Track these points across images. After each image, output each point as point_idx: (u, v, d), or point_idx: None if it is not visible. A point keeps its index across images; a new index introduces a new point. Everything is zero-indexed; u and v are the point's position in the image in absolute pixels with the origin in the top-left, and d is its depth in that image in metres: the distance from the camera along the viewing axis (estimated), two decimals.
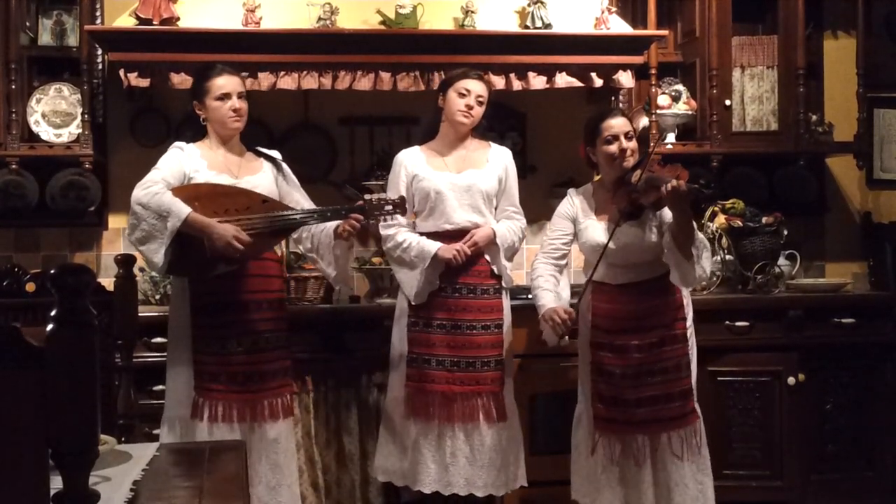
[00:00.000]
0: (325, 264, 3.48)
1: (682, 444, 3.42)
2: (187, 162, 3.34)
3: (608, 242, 3.39)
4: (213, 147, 3.42)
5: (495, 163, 3.67)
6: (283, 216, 3.30)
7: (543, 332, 3.51)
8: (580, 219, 3.55)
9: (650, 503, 3.42)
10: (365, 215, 3.34)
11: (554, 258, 3.58)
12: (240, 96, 3.39)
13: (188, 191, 3.26)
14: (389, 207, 3.35)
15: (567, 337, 3.48)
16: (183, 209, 3.17)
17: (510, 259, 3.68)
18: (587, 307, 3.55)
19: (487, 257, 3.61)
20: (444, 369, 3.54)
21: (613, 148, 3.45)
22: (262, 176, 3.43)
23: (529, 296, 3.94)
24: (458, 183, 3.59)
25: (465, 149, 3.67)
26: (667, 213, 3.37)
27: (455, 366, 3.54)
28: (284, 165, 3.54)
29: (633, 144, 3.49)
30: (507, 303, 3.67)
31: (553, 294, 3.50)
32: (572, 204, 3.59)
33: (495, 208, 3.67)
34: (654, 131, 4.42)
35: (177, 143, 3.42)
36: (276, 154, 3.56)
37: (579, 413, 3.61)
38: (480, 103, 3.60)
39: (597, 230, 3.50)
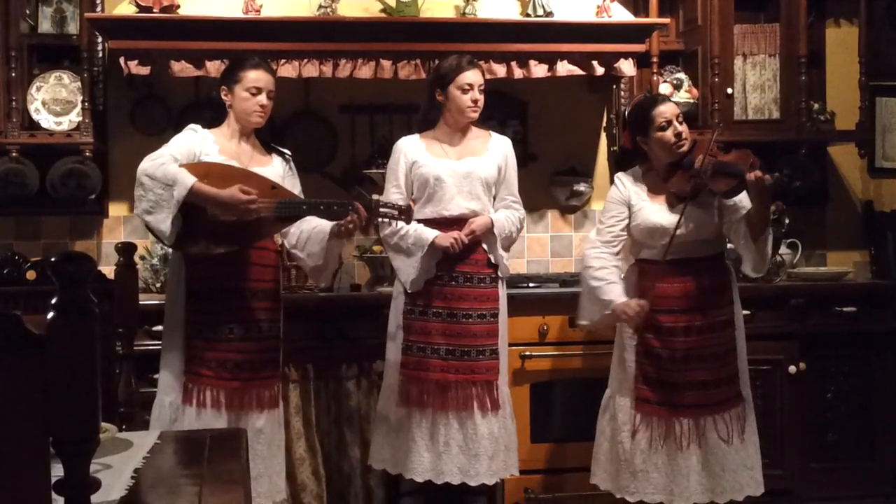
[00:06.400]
0: (311, 260, 3.45)
1: (726, 427, 3.42)
2: (199, 144, 3.35)
3: (676, 229, 3.37)
4: (228, 135, 3.43)
5: (495, 151, 3.65)
6: (291, 203, 3.30)
7: (594, 319, 3.52)
8: (633, 201, 3.53)
9: (696, 491, 3.39)
10: (371, 213, 3.31)
11: (613, 246, 3.54)
12: (269, 95, 3.41)
13: (199, 168, 3.26)
14: (395, 213, 3.32)
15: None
16: (188, 178, 3.17)
17: (507, 249, 3.65)
18: (632, 288, 3.53)
19: (485, 246, 3.58)
20: (440, 357, 3.52)
21: (669, 134, 3.46)
22: (270, 169, 3.42)
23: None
24: (457, 170, 3.57)
25: (466, 137, 3.66)
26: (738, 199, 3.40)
27: (450, 354, 3.52)
28: (293, 165, 3.54)
29: (685, 128, 3.51)
30: (503, 292, 3.65)
31: (620, 286, 3.47)
32: (624, 187, 3.58)
33: (494, 197, 3.65)
34: None
35: (191, 126, 3.43)
36: (287, 151, 3.56)
37: (607, 399, 3.61)
38: (482, 91, 3.59)
39: (652, 211, 3.49)
